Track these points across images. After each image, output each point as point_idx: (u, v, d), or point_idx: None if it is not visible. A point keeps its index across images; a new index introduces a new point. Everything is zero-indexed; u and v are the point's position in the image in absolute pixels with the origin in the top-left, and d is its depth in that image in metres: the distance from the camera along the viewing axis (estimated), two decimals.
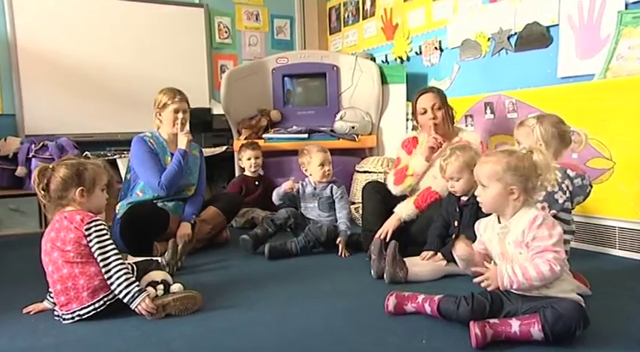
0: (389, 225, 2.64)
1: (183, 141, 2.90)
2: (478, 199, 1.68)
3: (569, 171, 2.10)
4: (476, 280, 1.60)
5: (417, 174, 2.75)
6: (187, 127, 2.96)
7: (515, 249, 1.59)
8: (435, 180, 2.67)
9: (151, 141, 2.91)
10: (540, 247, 1.53)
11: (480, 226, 1.75)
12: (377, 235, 2.62)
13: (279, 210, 2.96)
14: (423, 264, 2.26)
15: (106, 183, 1.94)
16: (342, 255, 2.71)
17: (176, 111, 2.90)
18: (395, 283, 2.15)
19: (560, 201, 2.07)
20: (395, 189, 2.80)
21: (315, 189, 2.91)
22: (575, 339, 1.48)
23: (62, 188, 1.83)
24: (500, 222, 1.66)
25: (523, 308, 1.57)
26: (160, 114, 2.93)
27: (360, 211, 3.41)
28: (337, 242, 2.75)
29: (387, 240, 2.60)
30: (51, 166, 1.86)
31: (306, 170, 2.93)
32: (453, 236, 2.30)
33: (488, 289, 1.58)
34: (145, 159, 2.84)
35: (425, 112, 2.76)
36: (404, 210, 2.65)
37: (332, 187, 2.89)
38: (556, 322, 1.44)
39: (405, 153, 2.92)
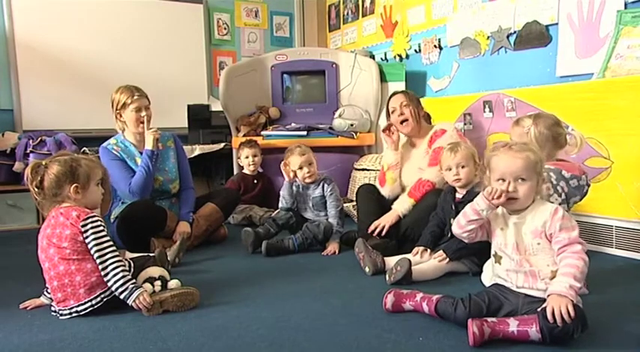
0: (386, 221, 2.65)
1: (149, 141, 2.78)
2: (513, 195, 1.61)
3: (564, 172, 2.09)
4: (550, 318, 1.44)
5: (392, 165, 2.86)
6: (150, 124, 2.83)
7: (534, 239, 1.61)
8: (422, 171, 2.73)
9: (115, 148, 2.82)
10: (566, 239, 1.55)
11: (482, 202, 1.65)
12: (372, 226, 2.65)
13: (280, 211, 2.93)
14: (426, 263, 2.25)
15: (100, 178, 1.93)
16: (328, 254, 2.70)
17: (138, 110, 2.77)
18: (379, 273, 2.24)
19: (555, 203, 2.07)
20: (385, 191, 2.89)
21: (307, 189, 2.90)
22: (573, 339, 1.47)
23: (56, 185, 1.82)
24: (510, 214, 1.67)
25: (524, 309, 1.58)
26: (120, 116, 2.81)
27: (357, 209, 3.41)
28: (327, 243, 2.76)
29: (383, 234, 2.62)
30: (44, 163, 1.84)
31: (286, 170, 2.87)
32: (449, 234, 2.30)
33: (563, 312, 1.43)
34: (111, 167, 2.69)
35: (394, 111, 2.87)
36: (401, 205, 2.68)
37: (323, 185, 2.87)
38: (554, 324, 1.43)
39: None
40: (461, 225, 1.73)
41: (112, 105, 2.82)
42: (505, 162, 1.63)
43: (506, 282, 1.67)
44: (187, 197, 3.00)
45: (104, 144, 2.85)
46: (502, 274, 1.69)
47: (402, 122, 2.84)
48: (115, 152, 2.81)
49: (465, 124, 3.39)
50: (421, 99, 3.04)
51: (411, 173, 2.81)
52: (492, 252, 1.74)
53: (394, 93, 2.96)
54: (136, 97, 2.77)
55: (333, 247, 2.72)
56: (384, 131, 2.89)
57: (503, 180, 1.62)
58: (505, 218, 1.69)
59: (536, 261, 1.62)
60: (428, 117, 3.02)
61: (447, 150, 2.33)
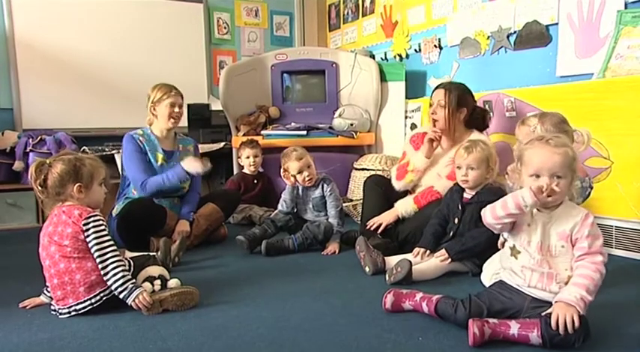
0: (384, 219, 2.65)
1: (194, 166, 2.78)
2: (555, 188, 1.52)
3: None
4: (554, 326, 1.43)
5: (418, 170, 2.74)
6: (179, 122, 2.95)
7: (559, 241, 1.56)
8: (439, 179, 2.66)
9: (141, 138, 2.90)
10: (589, 247, 1.51)
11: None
12: (370, 223, 2.65)
13: (279, 213, 2.93)
14: (426, 262, 2.24)
15: (103, 177, 1.93)
16: (328, 253, 2.69)
17: (172, 105, 2.89)
18: (379, 272, 2.23)
19: None
20: (397, 184, 2.80)
21: (307, 190, 2.89)
22: None
23: (59, 184, 1.82)
24: (538, 210, 1.61)
25: (528, 313, 1.56)
26: (154, 109, 2.92)
27: (359, 208, 3.41)
28: (327, 243, 2.75)
29: (379, 232, 2.63)
30: (48, 162, 1.84)
31: (286, 175, 2.86)
32: (451, 233, 2.30)
33: (568, 322, 1.42)
34: (132, 157, 2.84)
35: (431, 106, 2.77)
36: (403, 207, 2.65)
37: (322, 186, 2.86)
38: (556, 333, 1.43)
39: (411, 148, 2.88)
40: (497, 217, 1.62)
41: (148, 99, 2.94)
42: (542, 157, 1.54)
43: (518, 278, 1.63)
44: (191, 198, 3.02)
45: (130, 132, 2.94)
46: (516, 269, 1.64)
47: (433, 119, 2.74)
48: (140, 142, 2.89)
49: None
50: (426, 99, 2.94)
51: (430, 176, 2.73)
52: (510, 245, 1.68)
53: (437, 86, 2.80)
54: (173, 94, 2.91)
55: (333, 247, 2.71)
56: (429, 140, 2.70)
57: (538, 175, 1.55)
58: (533, 215, 1.61)
59: (556, 263, 1.57)
60: (480, 120, 2.80)
61: (462, 148, 2.28)
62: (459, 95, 2.71)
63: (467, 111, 2.73)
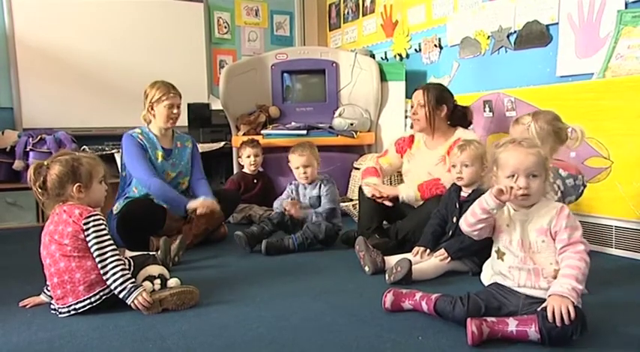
0: (386, 191, 2.69)
1: (201, 203, 2.78)
2: (526, 191, 1.57)
3: (561, 171, 2.10)
4: (550, 318, 1.44)
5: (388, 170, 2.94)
6: (177, 122, 2.96)
7: (538, 236, 1.61)
8: (430, 176, 2.68)
9: (140, 137, 2.90)
10: (570, 238, 1.55)
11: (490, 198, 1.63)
12: (368, 191, 2.71)
13: (275, 210, 2.94)
14: (426, 262, 2.24)
15: (103, 175, 1.93)
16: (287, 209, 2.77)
17: (170, 107, 2.88)
18: (379, 272, 2.24)
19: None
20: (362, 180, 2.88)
21: (305, 188, 2.91)
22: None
23: (59, 185, 1.82)
24: (515, 210, 1.66)
25: (524, 310, 1.57)
26: (152, 109, 2.90)
27: (358, 208, 3.42)
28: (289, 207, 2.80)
29: (378, 197, 2.69)
30: (45, 163, 1.84)
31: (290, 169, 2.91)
32: (450, 233, 2.30)
33: (563, 312, 1.43)
34: (134, 156, 2.84)
35: (412, 106, 2.85)
36: (405, 190, 2.68)
37: (320, 186, 2.88)
38: (554, 325, 1.43)
39: (394, 150, 2.96)
40: (470, 224, 1.71)
41: (146, 98, 2.92)
42: (517, 158, 1.61)
43: (508, 280, 1.66)
44: (199, 185, 3.02)
45: (129, 132, 2.93)
46: (504, 271, 1.67)
47: (413, 120, 2.84)
48: (139, 140, 2.88)
49: None
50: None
51: (419, 176, 2.75)
52: (495, 249, 1.73)
53: (417, 88, 2.89)
54: (171, 95, 2.89)
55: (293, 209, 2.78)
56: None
57: (514, 176, 1.60)
58: (510, 215, 1.67)
59: (540, 259, 1.61)
60: (461, 117, 2.85)
61: (456, 147, 2.32)
62: (437, 94, 2.79)
63: (447, 109, 2.79)
